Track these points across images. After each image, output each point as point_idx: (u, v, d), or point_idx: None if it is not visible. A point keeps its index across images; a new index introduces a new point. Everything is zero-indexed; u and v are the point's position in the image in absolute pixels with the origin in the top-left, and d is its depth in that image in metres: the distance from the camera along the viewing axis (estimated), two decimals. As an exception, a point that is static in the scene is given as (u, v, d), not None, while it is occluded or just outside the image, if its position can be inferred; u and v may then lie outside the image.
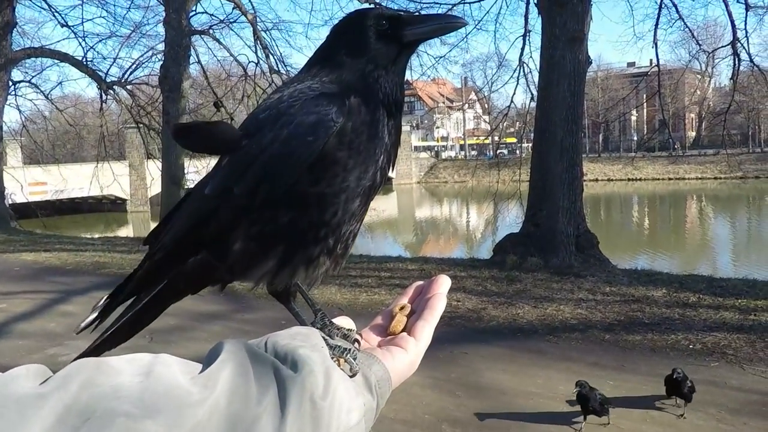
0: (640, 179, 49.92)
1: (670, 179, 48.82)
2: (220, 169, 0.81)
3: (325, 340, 0.72)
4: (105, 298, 0.86)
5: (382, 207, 34.25)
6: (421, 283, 0.89)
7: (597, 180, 49.53)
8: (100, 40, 20.28)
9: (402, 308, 0.85)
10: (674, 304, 7.06)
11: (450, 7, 13.82)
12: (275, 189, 0.76)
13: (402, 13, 0.86)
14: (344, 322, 0.84)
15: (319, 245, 0.80)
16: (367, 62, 0.83)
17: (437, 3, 14.26)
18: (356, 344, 0.77)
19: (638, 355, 5.46)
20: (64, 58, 19.52)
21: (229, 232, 0.79)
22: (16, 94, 21.54)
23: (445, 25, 0.88)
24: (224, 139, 0.79)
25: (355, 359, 0.72)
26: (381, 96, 0.82)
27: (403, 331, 0.82)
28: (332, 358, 0.70)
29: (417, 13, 0.94)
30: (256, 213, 0.77)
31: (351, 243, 0.87)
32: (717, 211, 34.51)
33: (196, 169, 16.45)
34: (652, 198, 43.29)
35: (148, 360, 0.59)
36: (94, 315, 0.85)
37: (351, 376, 0.70)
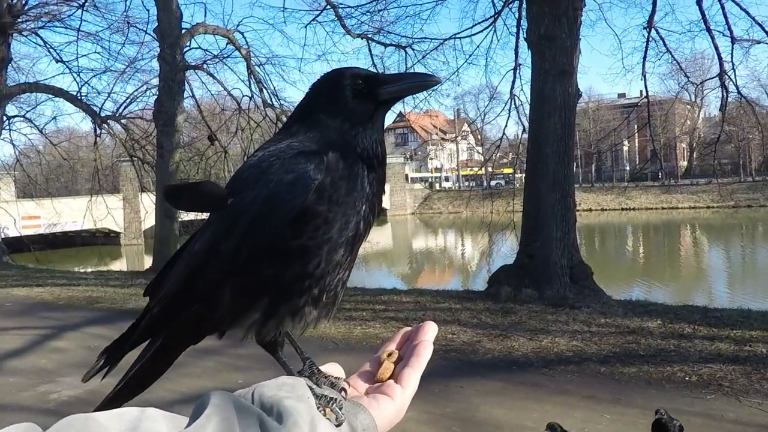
0: (633, 209, 50.18)
1: (663, 208, 49.09)
2: (208, 226, 0.85)
3: (311, 389, 0.73)
4: (109, 346, 0.89)
5: (377, 238, 34.24)
6: (408, 329, 0.91)
7: (590, 210, 49.74)
8: (94, 75, 20.34)
9: (389, 355, 0.87)
10: (669, 335, 7.04)
11: (440, 42, 14.08)
12: (259, 245, 0.79)
13: (377, 72, 0.90)
14: (333, 369, 0.85)
15: (304, 296, 0.82)
16: (344, 120, 0.86)
17: (428, 38, 14.52)
18: (343, 392, 0.79)
19: (634, 388, 5.43)
20: (58, 93, 19.61)
21: (217, 286, 0.82)
22: (10, 129, 21.55)
23: (419, 83, 0.92)
24: (211, 198, 0.82)
25: (341, 408, 0.73)
26: (359, 151, 0.84)
27: (390, 378, 0.84)
28: (318, 407, 0.71)
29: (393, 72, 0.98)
30: (242, 267, 0.80)
31: (340, 291, 0.88)
32: (711, 240, 34.63)
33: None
34: (646, 227, 43.45)
35: (135, 415, 0.60)
36: (101, 363, 0.87)
37: (337, 426, 0.71)
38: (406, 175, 63.48)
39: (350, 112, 0.86)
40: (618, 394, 5.26)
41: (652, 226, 43.69)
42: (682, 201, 49.19)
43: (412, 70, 14.00)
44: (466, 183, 60.90)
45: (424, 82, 0.92)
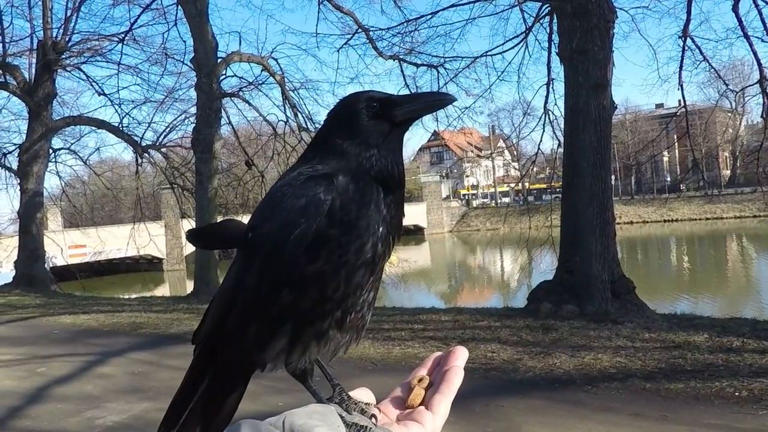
0: (676, 220, 49.10)
1: (707, 219, 47.90)
2: (234, 263, 0.88)
3: (342, 417, 0.74)
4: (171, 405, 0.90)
5: (415, 257, 34.15)
6: (439, 353, 0.91)
7: (632, 223, 48.83)
8: (135, 106, 20.83)
9: (420, 380, 0.87)
10: (717, 349, 6.84)
11: (472, 60, 14.10)
12: (277, 273, 0.80)
13: (392, 94, 0.90)
14: (362, 394, 0.86)
15: (327, 320, 0.83)
16: (360, 143, 0.86)
17: (459, 57, 14.54)
18: (374, 419, 0.79)
19: (681, 405, 5.28)
20: (101, 125, 20.21)
21: (245, 319, 0.83)
22: (56, 161, 22.24)
23: (433, 102, 0.92)
24: (233, 235, 0.85)
25: None
26: (373, 174, 0.84)
27: (421, 404, 0.84)
28: None
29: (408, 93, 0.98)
30: (264, 297, 0.81)
31: (367, 312, 0.89)
32: (758, 250, 33.60)
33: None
34: (690, 239, 42.41)
35: None
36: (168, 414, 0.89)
37: None
38: (456, 191, 63.14)
39: (366, 135, 0.87)
40: (665, 411, 5.13)
41: (696, 238, 42.63)
42: (726, 211, 47.90)
43: (444, 89, 14.11)
44: (515, 198, 59.62)
45: (439, 101, 0.92)
